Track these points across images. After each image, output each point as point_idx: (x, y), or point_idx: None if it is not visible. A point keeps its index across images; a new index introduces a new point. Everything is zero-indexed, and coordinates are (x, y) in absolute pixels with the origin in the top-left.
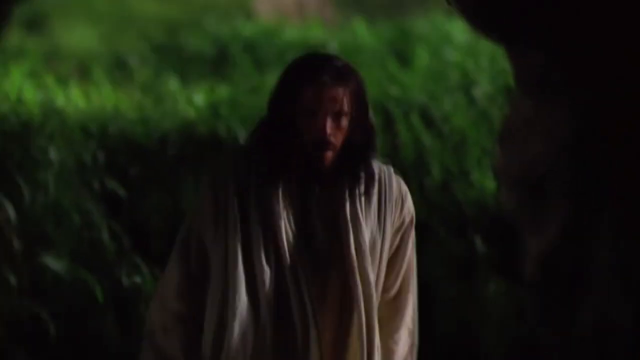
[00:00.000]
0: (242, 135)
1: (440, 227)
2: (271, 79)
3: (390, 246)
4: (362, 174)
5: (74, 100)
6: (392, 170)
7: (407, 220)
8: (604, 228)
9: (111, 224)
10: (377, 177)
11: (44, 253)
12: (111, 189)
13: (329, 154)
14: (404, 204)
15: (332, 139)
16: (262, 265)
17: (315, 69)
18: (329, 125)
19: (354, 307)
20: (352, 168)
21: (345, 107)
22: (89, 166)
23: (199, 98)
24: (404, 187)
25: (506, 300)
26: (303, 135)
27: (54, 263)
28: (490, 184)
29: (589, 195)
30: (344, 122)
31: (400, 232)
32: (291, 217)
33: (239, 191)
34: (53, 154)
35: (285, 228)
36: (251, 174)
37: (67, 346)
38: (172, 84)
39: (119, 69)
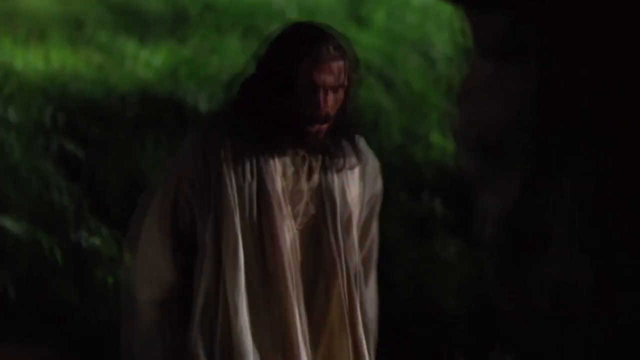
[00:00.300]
0: (201, 97)
1: (399, 189)
2: (230, 40)
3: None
4: (350, 147)
5: (32, 62)
6: (366, 146)
7: (378, 194)
8: (563, 189)
9: (70, 186)
10: (361, 150)
11: (3, 215)
12: (70, 151)
13: (325, 127)
14: (377, 178)
15: (330, 112)
16: (255, 239)
17: (315, 42)
18: (329, 99)
19: (337, 276)
20: (343, 140)
21: (344, 80)
22: (48, 128)
23: (158, 60)
24: (377, 163)
25: (465, 261)
26: (301, 107)
27: (12, 225)
28: (449, 145)
29: (548, 157)
30: (341, 94)
31: (370, 205)
32: (286, 188)
33: (234, 158)
34: (12, 116)
35: (281, 199)
36: (245, 142)
37: (26, 308)
38: (131, 45)
39: (78, 30)
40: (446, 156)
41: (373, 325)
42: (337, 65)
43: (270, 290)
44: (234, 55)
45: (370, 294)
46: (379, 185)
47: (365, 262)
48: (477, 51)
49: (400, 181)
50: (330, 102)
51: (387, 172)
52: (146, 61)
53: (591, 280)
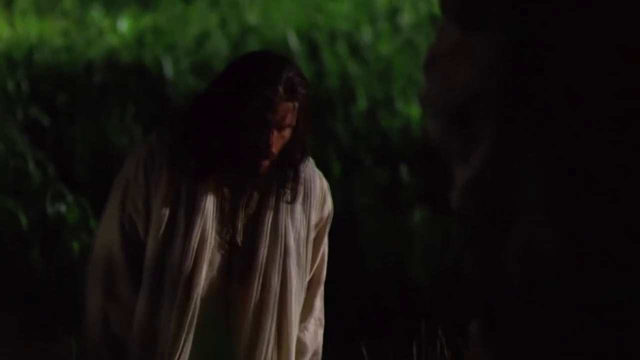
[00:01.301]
0: (166, 64)
1: (365, 155)
2: (196, 8)
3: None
4: (291, 181)
5: None
6: (314, 167)
7: (326, 216)
8: (531, 157)
9: (36, 153)
10: (302, 178)
11: None
12: (36, 118)
13: (267, 163)
14: (325, 201)
15: (274, 150)
16: (182, 264)
17: (267, 83)
18: (273, 137)
19: (266, 311)
20: (284, 176)
21: (292, 121)
22: (13, 95)
23: (124, 26)
24: (325, 184)
25: (431, 228)
26: (244, 142)
27: None
28: (415, 112)
29: (515, 124)
30: (287, 133)
31: (318, 227)
32: (217, 217)
33: (173, 180)
34: None
35: (209, 227)
36: (185, 166)
37: None
38: (97, 12)
39: None
40: (412, 123)
41: (311, 352)
42: (286, 107)
43: (187, 312)
44: (199, 23)
45: (315, 314)
46: (327, 207)
47: (313, 281)
48: (445, 16)
49: (367, 148)
50: (275, 141)
51: (353, 138)
52: (112, 27)
53: (559, 247)
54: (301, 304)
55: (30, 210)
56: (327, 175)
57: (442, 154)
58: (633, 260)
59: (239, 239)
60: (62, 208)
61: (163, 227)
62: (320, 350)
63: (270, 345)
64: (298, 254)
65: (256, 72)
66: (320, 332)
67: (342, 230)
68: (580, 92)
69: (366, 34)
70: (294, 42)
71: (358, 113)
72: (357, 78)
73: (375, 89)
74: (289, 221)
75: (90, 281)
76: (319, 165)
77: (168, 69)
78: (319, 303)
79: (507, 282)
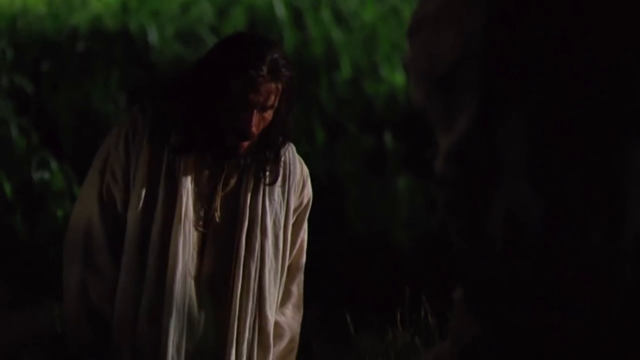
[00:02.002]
0: (151, 31)
1: (350, 122)
2: None
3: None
4: (271, 162)
5: None
6: (295, 152)
7: (305, 201)
8: (514, 123)
9: (20, 120)
10: (283, 162)
11: None
12: (20, 85)
13: (247, 143)
14: (304, 186)
15: (254, 130)
16: (161, 238)
17: (251, 63)
18: (255, 118)
19: (246, 293)
20: (263, 157)
21: (274, 102)
22: None
23: None
24: (306, 170)
25: (416, 194)
26: (226, 122)
27: None
28: (399, 79)
29: (498, 90)
30: (269, 114)
31: (298, 212)
32: (196, 194)
33: (154, 155)
34: None
35: (187, 201)
36: (165, 141)
37: None
38: None
39: None
40: (396, 89)
41: (289, 337)
42: (269, 87)
43: (165, 288)
44: None
45: (293, 300)
46: (307, 193)
47: (292, 267)
48: None
49: (351, 115)
50: (256, 122)
51: (338, 105)
52: None
53: (542, 211)
54: (278, 288)
55: (14, 178)
56: (312, 142)
57: (426, 120)
58: (615, 224)
59: (217, 217)
60: (46, 175)
61: (142, 201)
62: (298, 337)
63: (250, 325)
64: (276, 236)
65: (241, 52)
66: (298, 318)
67: (326, 197)
68: (562, 58)
69: (350, 1)
70: (279, 8)
71: (342, 80)
72: (342, 45)
73: (359, 56)
74: (267, 202)
75: (68, 250)
76: (304, 132)
77: (153, 36)
78: (297, 290)
79: (490, 248)
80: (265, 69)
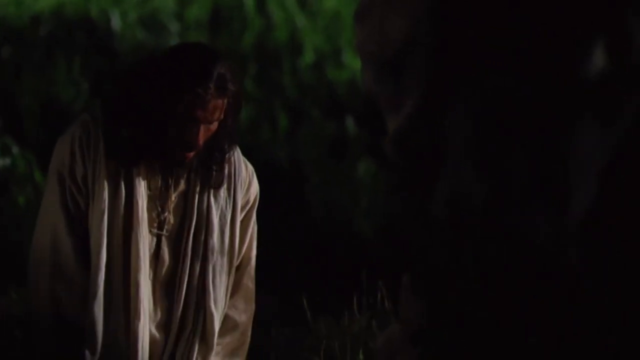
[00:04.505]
0: (114, 17)
1: (312, 107)
2: None
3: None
4: (216, 165)
5: None
6: (240, 153)
7: (252, 199)
8: (458, 107)
9: None
10: (228, 161)
11: None
12: None
13: (193, 154)
14: (250, 184)
15: (200, 143)
16: (124, 243)
17: (199, 79)
18: (201, 132)
19: (190, 289)
20: (210, 160)
21: (219, 116)
22: None
23: None
24: (250, 168)
25: (377, 181)
26: (172, 135)
27: None
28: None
29: (443, 75)
30: (214, 126)
31: (246, 210)
32: (151, 198)
33: (107, 161)
34: None
35: (142, 207)
36: (116, 148)
37: None
38: None
39: None
40: (358, 75)
41: (240, 330)
42: (216, 103)
43: (126, 295)
44: None
45: (243, 293)
46: (253, 190)
47: (243, 261)
48: None
49: (313, 101)
50: (202, 134)
51: (300, 91)
52: None
53: (485, 195)
54: (226, 282)
55: None
56: (274, 128)
57: (376, 103)
58: (559, 206)
59: (170, 218)
60: (8, 162)
61: (106, 206)
62: (249, 331)
63: (192, 320)
64: (222, 231)
65: (187, 68)
66: (250, 311)
67: (288, 182)
68: (507, 42)
69: None
70: None
71: (305, 65)
72: (305, 30)
73: (322, 42)
74: (212, 200)
75: (35, 265)
76: (267, 117)
77: (115, 22)
78: (249, 283)
79: (433, 230)
80: (212, 86)
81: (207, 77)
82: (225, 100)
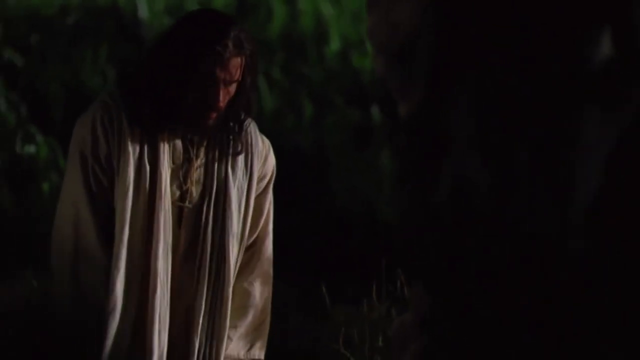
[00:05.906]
0: (141, 6)
1: (337, 96)
2: None
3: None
4: (234, 133)
5: None
6: (256, 127)
7: (269, 173)
8: (464, 95)
9: (9, 94)
10: (245, 134)
11: None
12: (9, 59)
13: (215, 116)
14: (267, 157)
15: (222, 104)
16: (150, 219)
17: (216, 39)
18: (222, 93)
19: (207, 256)
20: (228, 129)
21: (238, 76)
22: None
23: None
24: (267, 142)
25: None
26: (193, 98)
27: None
28: None
29: (449, 63)
30: (234, 87)
31: (263, 183)
32: (174, 169)
33: (130, 137)
34: None
35: (166, 180)
36: (138, 122)
37: None
38: None
39: None
40: None
41: (260, 308)
42: (235, 62)
43: (146, 269)
44: None
45: (263, 268)
46: (270, 164)
47: (260, 235)
48: None
49: (339, 88)
50: (223, 96)
51: (326, 79)
52: None
53: (489, 182)
54: (238, 251)
55: (3, 152)
56: (299, 115)
57: (388, 90)
58: (564, 195)
59: (193, 190)
60: (32, 149)
61: (131, 184)
62: (269, 308)
63: (210, 296)
64: (239, 202)
65: (205, 29)
66: (268, 287)
67: (312, 170)
68: (513, 30)
69: None
70: None
71: (331, 54)
72: (330, 19)
73: (348, 30)
74: (230, 170)
75: (56, 245)
76: (292, 105)
77: (143, 10)
78: (267, 257)
79: (437, 220)
80: (230, 44)
81: (225, 36)
82: (243, 59)
